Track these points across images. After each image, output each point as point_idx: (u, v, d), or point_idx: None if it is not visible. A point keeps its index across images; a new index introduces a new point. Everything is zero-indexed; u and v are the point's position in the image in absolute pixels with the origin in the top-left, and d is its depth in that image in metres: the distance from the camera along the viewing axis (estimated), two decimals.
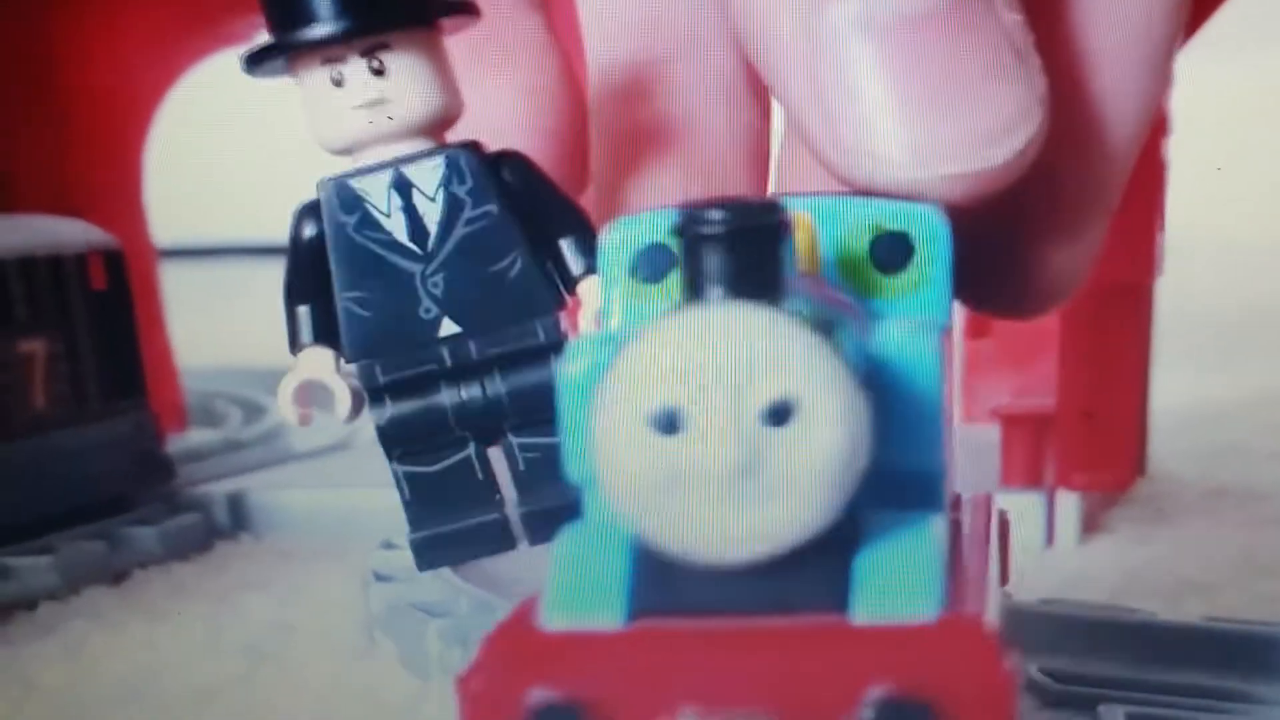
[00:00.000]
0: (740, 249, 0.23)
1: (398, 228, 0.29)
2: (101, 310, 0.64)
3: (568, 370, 0.25)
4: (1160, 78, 0.30)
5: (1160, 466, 0.70)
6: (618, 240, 0.28)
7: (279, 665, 0.49)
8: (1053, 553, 0.60)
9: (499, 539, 0.30)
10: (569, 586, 0.23)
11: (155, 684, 0.48)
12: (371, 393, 0.30)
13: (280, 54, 0.29)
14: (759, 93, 0.32)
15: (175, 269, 0.90)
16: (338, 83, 0.29)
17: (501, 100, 0.32)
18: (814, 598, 0.22)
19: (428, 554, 0.30)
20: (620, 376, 0.22)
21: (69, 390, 0.63)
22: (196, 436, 0.79)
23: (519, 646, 0.23)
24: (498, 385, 0.30)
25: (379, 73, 0.29)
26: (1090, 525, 0.62)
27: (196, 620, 0.54)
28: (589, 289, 0.30)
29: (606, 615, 0.23)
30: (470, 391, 0.30)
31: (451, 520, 0.30)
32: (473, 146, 0.30)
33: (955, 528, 0.28)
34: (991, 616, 0.24)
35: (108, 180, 0.79)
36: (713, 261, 0.23)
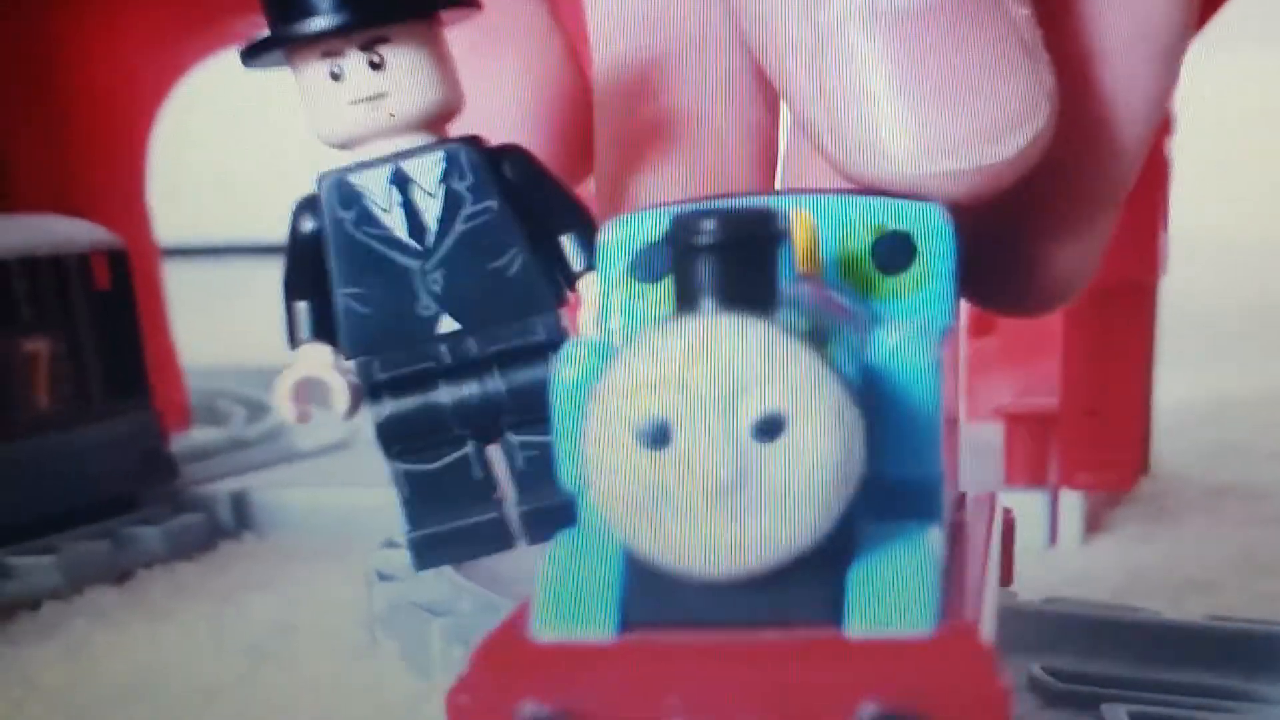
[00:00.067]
0: (733, 260, 0.22)
1: (397, 223, 0.29)
2: (105, 310, 0.64)
3: (561, 377, 0.25)
4: (1170, 74, 0.30)
5: (1163, 465, 0.69)
6: (616, 239, 0.27)
7: (281, 664, 0.49)
8: (1056, 551, 0.60)
9: (497, 537, 0.30)
10: (559, 597, 0.23)
11: (158, 683, 0.48)
12: (370, 389, 0.30)
13: (278, 47, 0.29)
14: (765, 89, 0.32)
15: (178, 268, 0.90)
16: (336, 76, 0.29)
17: (503, 87, 0.32)
18: (808, 610, 0.22)
19: (426, 553, 0.30)
20: (610, 388, 0.22)
21: (72, 390, 0.62)
22: (200, 436, 0.79)
23: (509, 658, 0.22)
24: (497, 383, 0.30)
25: (378, 66, 0.29)
26: (1093, 524, 0.62)
27: (199, 620, 0.54)
28: (589, 286, 0.29)
29: (597, 627, 0.23)
30: (469, 389, 0.30)
31: (450, 519, 0.30)
32: (473, 141, 0.29)
33: (958, 530, 0.28)
34: (988, 624, 0.24)
35: (110, 179, 0.79)
36: (705, 272, 0.22)
